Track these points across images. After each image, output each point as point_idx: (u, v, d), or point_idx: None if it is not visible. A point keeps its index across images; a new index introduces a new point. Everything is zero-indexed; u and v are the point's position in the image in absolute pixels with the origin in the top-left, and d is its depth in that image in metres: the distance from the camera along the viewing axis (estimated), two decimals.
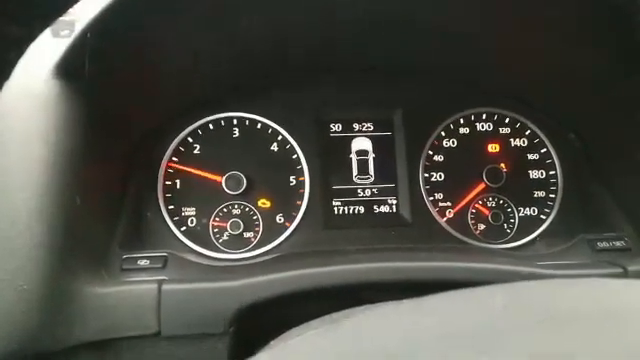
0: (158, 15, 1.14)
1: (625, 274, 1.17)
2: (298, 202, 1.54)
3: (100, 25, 1.05)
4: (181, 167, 1.54)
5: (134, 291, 1.11)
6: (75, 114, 1.15)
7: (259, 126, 1.58)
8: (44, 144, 1.07)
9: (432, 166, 1.60)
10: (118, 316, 1.09)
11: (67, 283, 1.06)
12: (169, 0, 1.12)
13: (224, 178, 1.51)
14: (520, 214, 1.58)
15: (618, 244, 1.35)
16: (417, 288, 1.17)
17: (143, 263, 1.24)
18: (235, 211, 1.53)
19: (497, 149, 1.62)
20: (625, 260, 1.25)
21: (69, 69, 1.12)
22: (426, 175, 1.59)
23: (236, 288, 1.13)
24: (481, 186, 1.58)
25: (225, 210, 1.53)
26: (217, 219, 1.52)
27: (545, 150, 1.62)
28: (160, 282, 1.12)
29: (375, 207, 1.58)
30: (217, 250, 1.49)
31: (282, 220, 1.53)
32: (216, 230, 1.51)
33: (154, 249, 1.36)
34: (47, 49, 1.16)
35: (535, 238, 1.55)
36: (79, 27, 1.08)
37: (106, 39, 1.09)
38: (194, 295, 1.13)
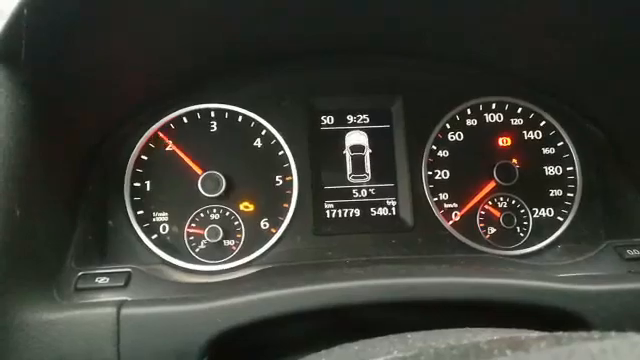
0: None
1: None
2: (285, 205, 1.38)
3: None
4: (151, 166, 1.36)
5: (89, 316, 0.95)
6: (16, 106, 0.97)
7: (240, 119, 1.42)
8: None
9: (436, 163, 1.44)
10: (69, 347, 0.93)
11: (5, 310, 0.90)
12: None
13: (200, 178, 1.34)
14: (534, 216, 1.43)
15: None
16: (422, 308, 1.03)
17: (102, 281, 1.07)
18: (213, 216, 1.36)
19: (508, 143, 1.46)
20: None
21: (5, 53, 0.94)
22: (429, 173, 1.43)
23: (210, 312, 0.97)
24: (491, 185, 1.42)
25: (202, 215, 1.36)
26: (193, 225, 1.35)
27: (562, 143, 1.46)
28: (120, 304, 0.96)
29: (372, 210, 1.42)
30: (193, 261, 1.33)
31: (267, 226, 1.37)
32: (192, 238, 1.34)
33: (118, 262, 1.20)
34: None
35: (551, 243, 1.40)
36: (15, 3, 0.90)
37: (46, 15, 0.90)
38: (160, 320, 0.96)
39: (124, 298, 1.01)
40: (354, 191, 1.43)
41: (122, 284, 1.07)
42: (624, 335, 0.47)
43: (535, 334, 0.60)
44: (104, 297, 1.04)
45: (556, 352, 0.42)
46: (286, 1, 1.18)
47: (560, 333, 0.58)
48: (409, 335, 0.73)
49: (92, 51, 1.08)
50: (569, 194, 1.43)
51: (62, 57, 1.04)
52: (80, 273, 1.08)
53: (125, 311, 0.95)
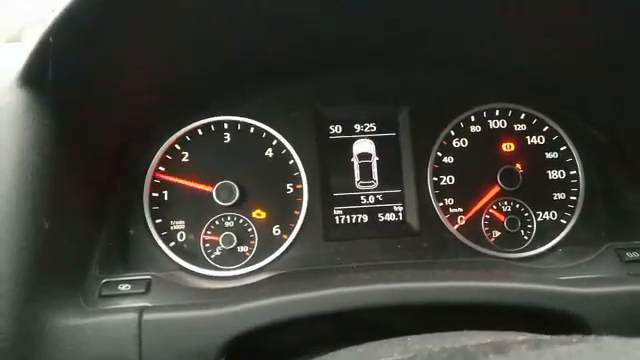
0: (130, 13, 1.01)
1: None
2: (296, 212, 1.43)
3: (63, 27, 0.93)
4: (169, 177, 1.43)
5: (112, 321, 1.01)
6: (43, 126, 1.04)
7: (252, 130, 1.47)
8: (7, 163, 0.96)
9: (441, 169, 1.48)
10: (95, 350, 0.99)
11: (37, 316, 0.97)
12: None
13: (215, 188, 1.40)
14: (538, 219, 1.46)
15: None
16: (427, 310, 1.08)
17: (124, 288, 1.13)
18: (228, 223, 1.42)
19: (512, 148, 1.49)
20: None
21: (33, 77, 1.01)
22: (435, 179, 1.47)
23: (226, 316, 1.02)
24: (495, 189, 1.46)
25: (217, 223, 1.42)
26: (208, 232, 1.41)
27: (565, 148, 1.49)
28: (141, 310, 1.02)
29: (380, 215, 1.46)
30: (209, 267, 1.39)
31: (279, 232, 1.42)
32: (207, 245, 1.40)
33: (139, 269, 1.26)
34: (12, 57, 1.06)
35: (555, 246, 1.43)
36: (42, 30, 0.97)
37: (70, 42, 0.97)
38: (179, 325, 1.02)
39: (145, 304, 1.06)
40: (362, 197, 1.47)
41: (143, 290, 1.13)
42: (597, 339, 0.52)
43: (522, 337, 0.64)
44: (126, 303, 1.10)
45: (528, 355, 0.47)
46: (292, 16, 1.23)
47: (544, 337, 0.62)
48: (409, 338, 0.79)
49: (111, 71, 1.14)
50: (572, 197, 1.46)
51: (84, 77, 1.11)
52: (104, 280, 1.14)
53: (146, 316, 1.00)
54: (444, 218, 1.45)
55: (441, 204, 1.46)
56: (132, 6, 1.01)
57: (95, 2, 0.94)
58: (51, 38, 0.95)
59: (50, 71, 0.97)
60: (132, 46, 1.13)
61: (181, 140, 1.45)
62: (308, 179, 1.44)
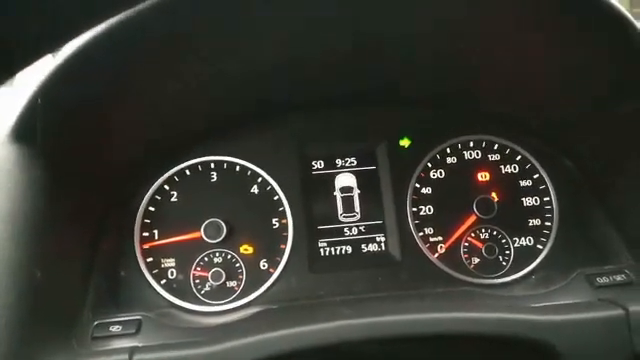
0: (113, 71, 1.08)
1: (627, 317, 1.09)
2: (282, 246, 1.48)
3: (49, 90, 1.00)
4: (158, 216, 1.48)
5: None
6: (33, 177, 1.10)
7: (238, 169, 1.53)
8: None
9: (420, 199, 1.53)
10: None
11: None
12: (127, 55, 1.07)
13: (203, 226, 1.45)
14: (515, 245, 1.51)
15: (619, 278, 1.26)
16: (410, 340, 1.13)
17: (115, 329, 1.17)
18: (216, 259, 1.47)
19: (487, 177, 1.55)
20: (626, 298, 1.16)
21: (23, 134, 1.07)
22: (414, 209, 1.52)
23: (214, 354, 1.06)
24: (472, 218, 1.51)
25: (206, 259, 1.47)
26: (198, 269, 1.46)
27: (538, 176, 1.55)
28: (132, 350, 1.06)
29: (363, 246, 1.52)
30: (199, 302, 1.43)
31: (266, 266, 1.47)
32: (197, 281, 1.45)
33: (130, 309, 1.31)
34: (4, 107, 1.12)
35: (531, 271, 1.47)
36: (30, 91, 1.04)
37: (55, 103, 1.03)
38: None
39: (136, 344, 1.10)
40: (345, 229, 1.52)
41: (134, 331, 1.17)
42: None
43: None
44: (118, 344, 1.13)
45: None
46: (280, 65, 1.30)
47: None
48: None
49: (102, 127, 1.21)
50: (547, 223, 1.51)
51: (72, 131, 1.17)
52: (95, 322, 1.18)
53: (137, 357, 1.04)
54: (424, 247, 1.49)
55: (421, 233, 1.51)
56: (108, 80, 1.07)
57: (79, 74, 1.00)
58: (39, 99, 1.01)
59: (39, 131, 1.03)
60: (118, 106, 1.19)
61: (170, 181, 1.50)
62: (293, 214, 1.49)
